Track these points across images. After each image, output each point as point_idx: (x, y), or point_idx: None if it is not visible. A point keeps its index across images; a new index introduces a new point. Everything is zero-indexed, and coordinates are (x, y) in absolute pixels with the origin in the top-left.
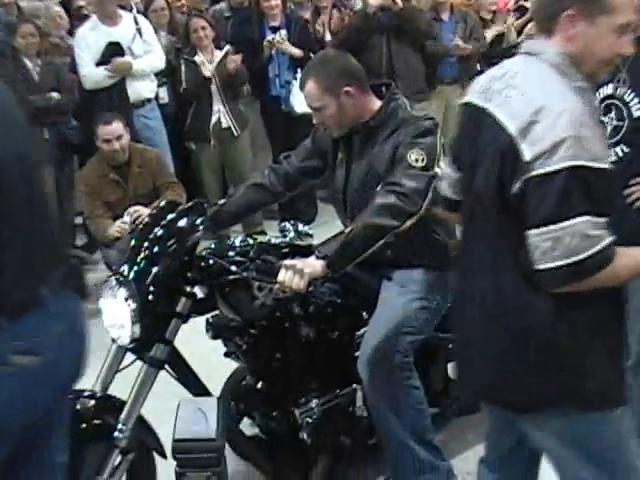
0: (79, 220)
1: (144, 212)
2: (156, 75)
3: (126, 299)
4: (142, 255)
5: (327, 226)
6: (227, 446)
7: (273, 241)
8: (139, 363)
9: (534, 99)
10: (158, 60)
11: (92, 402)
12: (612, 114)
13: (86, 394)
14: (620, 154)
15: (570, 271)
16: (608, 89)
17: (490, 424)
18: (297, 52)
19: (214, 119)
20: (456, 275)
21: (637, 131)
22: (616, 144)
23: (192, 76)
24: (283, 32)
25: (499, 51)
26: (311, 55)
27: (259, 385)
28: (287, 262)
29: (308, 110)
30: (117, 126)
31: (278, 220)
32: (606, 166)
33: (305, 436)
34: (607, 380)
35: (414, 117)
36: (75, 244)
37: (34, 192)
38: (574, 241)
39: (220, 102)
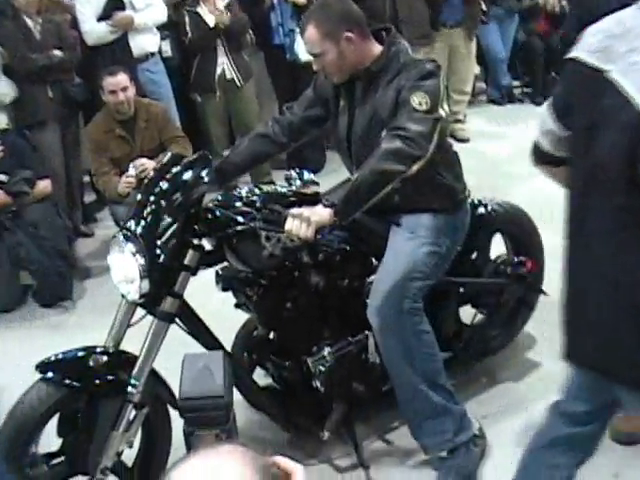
0: (87, 178)
1: (149, 165)
2: (158, 28)
3: (134, 254)
4: (148, 209)
5: (336, 174)
6: (235, 398)
7: (279, 190)
8: (150, 318)
9: None
10: (160, 13)
11: (105, 358)
12: None
13: (99, 350)
14: None
15: None
16: None
17: (579, 382)
18: None
19: (219, 70)
20: (568, 244)
21: None
22: None
23: (196, 27)
24: None
25: None
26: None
27: (271, 335)
28: (294, 211)
29: None
30: (122, 77)
31: (286, 169)
32: None
33: (318, 384)
34: None
35: (416, 60)
36: (83, 201)
37: None
38: None
39: (224, 54)
